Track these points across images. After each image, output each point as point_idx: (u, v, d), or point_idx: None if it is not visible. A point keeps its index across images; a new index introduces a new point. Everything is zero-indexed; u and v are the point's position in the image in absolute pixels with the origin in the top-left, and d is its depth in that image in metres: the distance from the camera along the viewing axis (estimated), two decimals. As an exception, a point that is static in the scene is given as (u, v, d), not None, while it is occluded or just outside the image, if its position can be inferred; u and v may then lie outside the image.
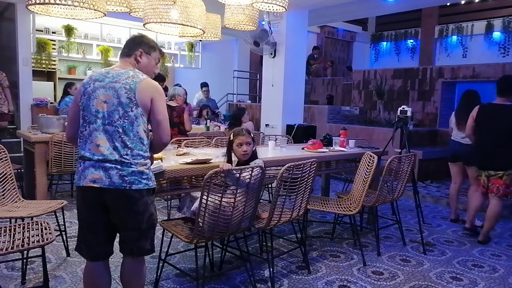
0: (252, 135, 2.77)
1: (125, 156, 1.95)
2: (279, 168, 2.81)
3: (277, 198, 2.64)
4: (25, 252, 2.62)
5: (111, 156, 1.94)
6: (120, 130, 1.96)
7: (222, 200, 2.30)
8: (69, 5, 2.79)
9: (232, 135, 2.74)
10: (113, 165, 1.94)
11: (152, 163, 2.28)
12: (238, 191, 2.36)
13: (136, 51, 2.15)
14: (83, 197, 2.03)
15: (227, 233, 2.56)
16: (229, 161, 2.75)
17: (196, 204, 2.46)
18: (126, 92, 1.97)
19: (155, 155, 2.59)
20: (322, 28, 11.80)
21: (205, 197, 2.24)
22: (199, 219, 2.30)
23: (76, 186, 2.05)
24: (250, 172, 2.37)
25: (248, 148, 2.68)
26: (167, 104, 4.93)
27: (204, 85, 7.77)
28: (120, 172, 1.94)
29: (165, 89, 6.92)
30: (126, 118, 1.97)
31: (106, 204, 1.99)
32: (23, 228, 2.42)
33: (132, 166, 1.96)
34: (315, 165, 2.80)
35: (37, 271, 2.90)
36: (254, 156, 2.75)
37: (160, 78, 6.36)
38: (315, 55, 11.08)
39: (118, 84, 1.99)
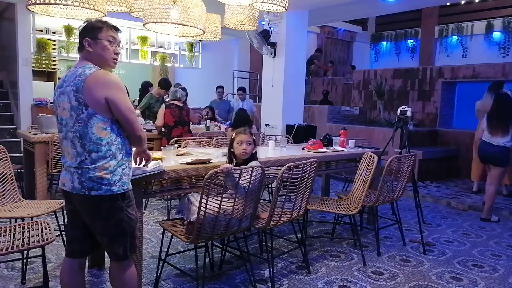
0: (253, 136, 2.78)
1: (84, 161, 1.90)
2: (279, 168, 2.81)
3: (277, 198, 2.64)
4: (25, 252, 2.62)
5: (75, 162, 1.93)
6: (78, 135, 1.90)
7: (222, 205, 2.30)
8: (69, 5, 2.79)
9: (234, 133, 2.75)
10: (75, 170, 1.93)
11: (142, 161, 2.27)
12: (237, 195, 2.36)
13: (83, 42, 1.98)
14: (63, 197, 2.12)
15: (227, 234, 2.56)
16: (230, 161, 2.76)
17: (194, 212, 2.45)
18: (75, 94, 1.88)
19: (155, 155, 2.59)
20: (322, 28, 11.80)
21: (205, 197, 2.24)
22: (199, 221, 2.30)
23: None
24: (250, 173, 2.37)
25: (248, 148, 2.68)
26: (175, 104, 5.03)
27: (218, 87, 7.65)
28: (79, 178, 1.91)
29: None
30: (80, 121, 1.89)
31: (75, 207, 2.02)
32: (23, 228, 2.42)
33: (90, 172, 1.90)
34: (315, 165, 2.80)
35: (37, 271, 2.90)
36: (253, 157, 2.75)
37: (165, 85, 6.11)
38: (315, 57, 11.08)
39: (69, 88, 1.91)
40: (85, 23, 2.03)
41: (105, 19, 2.17)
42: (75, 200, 1.98)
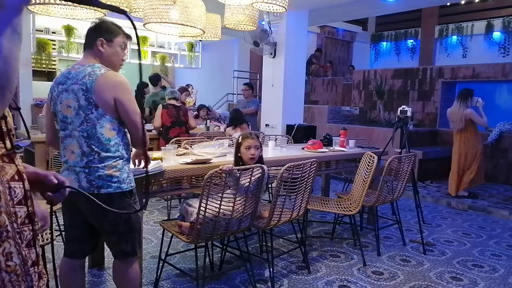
0: (260, 139, 2.78)
1: (92, 161, 1.90)
2: (279, 168, 2.81)
3: (277, 198, 2.64)
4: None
5: (80, 162, 1.91)
6: (85, 134, 1.90)
7: (222, 205, 2.29)
8: (69, 5, 2.79)
9: (240, 138, 2.75)
10: (81, 170, 1.91)
11: (141, 163, 2.27)
12: (237, 195, 2.36)
13: (96, 41, 1.98)
14: None
15: (227, 234, 2.56)
16: (237, 163, 2.75)
17: (193, 213, 2.45)
18: (84, 93, 1.87)
19: (155, 155, 2.60)
20: (322, 28, 11.80)
21: (205, 197, 2.24)
22: (199, 221, 2.30)
23: None
24: (250, 173, 2.37)
25: (256, 152, 2.69)
26: (172, 105, 5.03)
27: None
28: (87, 177, 1.90)
29: (164, 88, 6.92)
30: (88, 121, 1.89)
31: (80, 207, 1.99)
32: (23, 228, 2.42)
33: (99, 170, 1.90)
34: (315, 165, 2.80)
35: (37, 271, 2.90)
36: (260, 160, 2.75)
37: (154, 79, 6.51)
38: (315, 57, 11.07)
39: (76, 86, 1.89)
40: (101, 22, 2.04)
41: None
42: (80, 199, 1.95)
